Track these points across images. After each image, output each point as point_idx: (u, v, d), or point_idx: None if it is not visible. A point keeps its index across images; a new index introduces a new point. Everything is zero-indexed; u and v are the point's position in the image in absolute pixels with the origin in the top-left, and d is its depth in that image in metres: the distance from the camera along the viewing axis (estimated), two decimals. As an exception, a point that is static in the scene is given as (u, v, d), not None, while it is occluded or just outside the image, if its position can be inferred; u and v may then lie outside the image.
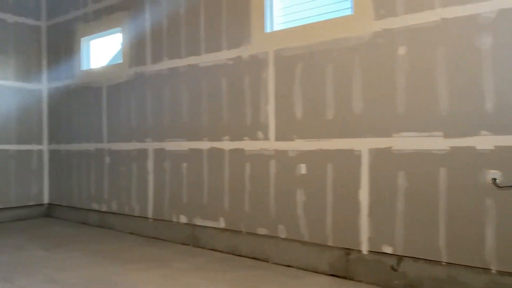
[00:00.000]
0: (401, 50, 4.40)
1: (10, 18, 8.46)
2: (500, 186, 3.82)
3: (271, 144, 5.38)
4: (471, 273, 3.97)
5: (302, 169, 5.09)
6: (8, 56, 8.42)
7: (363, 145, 4.63)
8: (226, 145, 5.86)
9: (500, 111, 3.85)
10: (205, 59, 6.10)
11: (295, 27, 5.25)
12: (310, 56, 5.05)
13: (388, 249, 4.45)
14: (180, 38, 6.42)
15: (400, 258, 4.38)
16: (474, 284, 3.95)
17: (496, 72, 3.88)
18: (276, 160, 5.34)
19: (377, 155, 4.54)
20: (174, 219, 6.51)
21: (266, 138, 5.44)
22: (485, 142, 3.91)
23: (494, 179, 3.84)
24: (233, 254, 5.72)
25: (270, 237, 5.38)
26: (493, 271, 3.86)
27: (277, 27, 5.52)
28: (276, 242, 5.32)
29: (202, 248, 6.10)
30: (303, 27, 5.15)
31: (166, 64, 6.62)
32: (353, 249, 4.69)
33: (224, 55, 5.88)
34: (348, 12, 4.89)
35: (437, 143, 4.18)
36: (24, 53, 8.66)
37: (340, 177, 4.80)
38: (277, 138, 5.33)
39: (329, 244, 4.87)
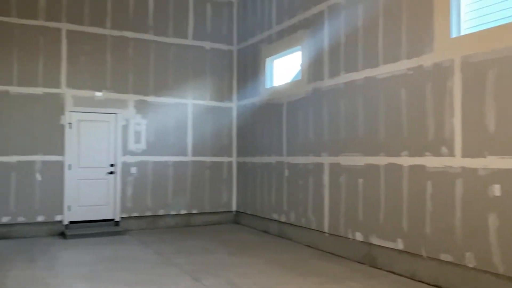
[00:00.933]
0: None
1: (207, 45, 9.61)
2: None
3: (457, 161, 4.83)
4: None
5: (496, 190, 4.42)
6: (205, 79, 9.56)
7: None
8: (405, 161, 5.49)
9: None
10: (383, 71, 5.87)
11: (486, 30, 4.63)
12: (504, 61, 4.38)
13: None
14: (357, 50, 6.33)
15: None
16: None
17: None
18: (463, 179, 4.76)
19: None
20: (350, 236, 6.37)
21: (451, 154, 4.91)
22: None
23: None
24: (412, 279, 5.29)
25: (456, 265, 4.80)
26: None
27: (465, 31, 4.96)
28: (463, 271, 4.72)
29: (379, 269, 5.80)
30: (497, 29, 4.51)
31: (343, 78, 6.59)
32: None
33: (403, 65, 5.56)
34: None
35: None
36: (218, 75, 9.71)
37: (546, 202, 4.01)
38: (464, 155, 4.75)
39: (531, 281, 4.09)
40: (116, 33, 8.68)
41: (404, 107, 5.54)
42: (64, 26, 8.24)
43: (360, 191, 6.20)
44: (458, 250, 4.78)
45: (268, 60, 8.72)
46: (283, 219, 8.00)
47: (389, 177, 5.72)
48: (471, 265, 4.64)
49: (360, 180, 6.21)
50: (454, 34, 4.98)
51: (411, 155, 5.41)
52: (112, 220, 8.61)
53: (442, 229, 4.97)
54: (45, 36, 8.08)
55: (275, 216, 8.25)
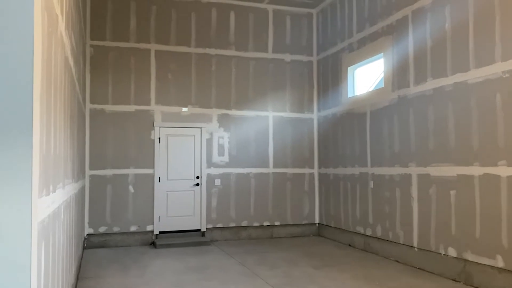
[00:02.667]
0: None
1: (287, 57, 9.68)
2: None
3: None
4: None
5: None
6: (285, 91, 9.62)
7: None
8: (503, 171, 5.06)
9: None
10: (474, 75, 5.49)
11: None
12: None
13: None
14: (445, 55, 5.99)
15: None
16: None
17: None
18: None
19: None
20: (442, 251, 5.98)
21: (557, 163, 4.44)
22: None
23: None
24: (516, 301, 4.83)
25: None
26: None
27: None
28: None
29: (475, 287, 5.37)
30: None
31: (430, 84, 6.27)
32: None
33: (498, 68, 5.16)
34: None
35: None
36: (298, 87, 9.72)
37: None
38: None
39: None
40: (200, 50, 9.06)
41: (500, 113, 5.12)
42: (153, 47, 8.77)
43: (453, 203, 5.82)
44: None
45: (349, 69, 8.57)
46: (368, 232, 7.73)
47: (485, 188, 5.31)
48: None
49: (452, 192, 5.83)
50: (557, 31, 4.54)
51: (509, 164, 4.98)
52: (198, 230, 8.91)
53: (550, 246, 4.50)
54: (136, 57, 8.66)
55: (360, 229, 8.01)
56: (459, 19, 5.75)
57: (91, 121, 8.34)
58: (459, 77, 5.75)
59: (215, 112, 9.11)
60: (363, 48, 8.00)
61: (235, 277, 5.98)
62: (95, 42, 8.44)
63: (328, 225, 9.21)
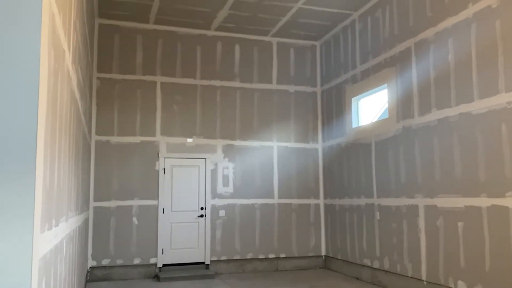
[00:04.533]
0: None
1: (291, 88, 9.76)
2: None
3: None
4: None
5: None
6: (290, 121, 9.65)
7: None
8: (511, 202, 4.99)
9: None
10: (479, 106, 5.49)
11: None
12: None
13: None
14: (449, 86, 6.02)
15: None
16: None
17: None
18: None
19: None
20: (451, 285, 5.84)
21: None
22: None
23: None
24: (530, 338, 4.66)
25: None
26: None
27: None
28: None
29: (487, 323, 5.22)
30: None
31: (435, 115, 6.27)
32: None
33: (502, 99, 5.16)
34: None
35: None
36: (302, 117, 9.76)
37: None
38: None
39: None
40: (205, 82, 9.17)
41: (506, 143, 5.09)
42: (159, 79, 8.89)
43: (461, 235, 5.72)
44: None
45: (353, 99, 8.61)
46: (376, 265, 7.58)
47: (493, 220, 5.22)
48: None
49: (460, 224, 5.73)
50: (560, 62, 4.56)
51: (518, 196, 4.91)
52: (202, 263, 8.78)
53: (563, 281, 4.38)
54: (142, 89, 8.77)
55: (367, 261, 7.86)
56: (462, 50, 5.80)
57: (97, 152, 8.37)
58: (463, 108, 5.75)
59: (219, 143, 9.13)
60: (366, 80, 8.06)
61: (240, 312, 5.84)
62: (102, 75, 8.57)
63: (334, 258, 9.06)
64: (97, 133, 8.43)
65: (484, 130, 5.42)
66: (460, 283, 5.69)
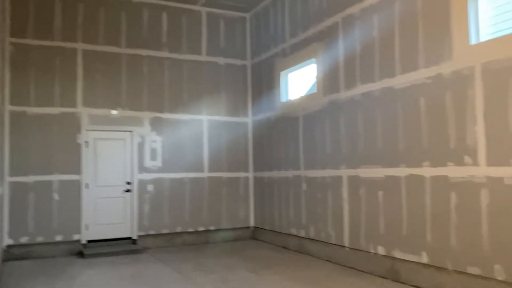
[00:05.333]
0: None
1: (221, 60, 9.63)
2: None
3: (482, 170, 4.69)
4: None
5: (524, 199, 4.27)
6: (220, 94, 9.56)
7: None
8: (426, 171, 5.36)
9: None
10: (400, 81, 5.78)
11: (506, 36, 4.53)
12: (528, 65, 4.28)
13: None
14: (373, 61, 6.26)
15: None
16: None
17: None
18: (488, 188, 4.62)
19: None
20: (371, 250, 6.21)
21: (475, 163, 4.77)
22: None
23: None
24: (439, 294, 5.11)
25: (484, 278, 4.62)
26: None
27: (484, 37, 4.87)
28: (492, 284, 4.54)
29: (403, 283, 5.63)
30: (518, 33, 4.41)
31: (359, 89, 6.51)
32: None
33: (421, 74, 5.46)
34: None
35: None
36: (233, 91, 9.71)
37: None
38: (489, 163, 4.62)
39: None
40: (130, 51, 8.76)
41: (423, 116, 5.43)
42: (80, 46, 8.34)
43: (381, 203, 6.07)
44: (486, 263, 4.61)
45: (282, 73, 8.70)
46: (302, 234, 7.87)
47: (411, 188, 5.59)
48: (500, 278, 4.47)
49: (381, 193, 6.08)
50: (473, 41, 4.89)
51: (432, 165, 5.28)
52: (129, 238, 8.57)
53: (468, 241, 4.81)
54: (61, 57, 8.18)
55: (294, 231, 8.12)
56: (386, 27, 6.03)
57: (12, 124, 7.75)
58: (386, 83, 6.02)
59: (147, 115, 8.83)
60: (296, 54, 8.15)
61: (171, 285, 5.81)
62: (16, 40, 7.86)
63: (263, 228, 9.26)
64: (11, 103, 7.78)
65: (404, 104, 5.72)
66: (379, 248, 6.07)
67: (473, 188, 4.78)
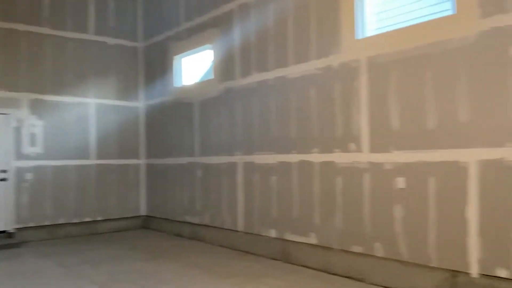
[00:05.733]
0: (514, 50, 3.92)
1: (110, 41, 9.08)
2: None
3: (365, 157, 5.09)
4: None
5: (400, 183, 4.73)
6: (110, 77, 9.03)
7: (470, 156, 4.18)
8: (316, 157, 5.67)
9: None
10: (293, 70, 6.00)
11: (389, 32, 4.95)
12: (407, 61, 4.71)
13: (502, 273, 3.94)
14: (268, 51, 6.40)
15: (519, 284, 3.85)
16: None
17: None
18: (370, 173, 5.04)
19: (487, 167, 4.06)
20: (264, 233, 6.42)
21: (359, 150, 5.16)
22: None
23: None
24: (326, 272, 5.47)
25: (366, 256, 5.06)
26: None
27: (370, 33, 5.25)
28: (373, 261, 4.99)
29: (293, 264, 5.92)
30: (399, 31, 4.83)
31: (255, 77, 6.62)
32: (460, 272, 4.23)
33: (313, 65, 5.73)
34: (449, 13, 4.50)
35: None
36: (123, 73, 9.23)
37: (444, 192, 4.38)
38: (372, 150, 5.03)
39: (432, 265, 4.44)
40: (4, 25, 7.84)
41: (314, 106, 5.71)
42: None
43: (274, 188, 6.28)
44: (367, 241, 5.04)
45: (176, 58, 8.49)
46: (196, 221, 7.84)
47: (301, 174, 5.87)
48: (379, 255, 4.92)
49: (274, 178, 6.29)
50: (359, 36, 5.24)
51: (321, 152, 5.60)
52: (4, 232, 7.76)
53: (352, 222, 5.21)
54: None
55: (188, 218, 8.06)
56: (280, 17, 6.19)
57: None
58: (280, 72, 6.20)
59: (25, 97, 8.02)
60: (191, 38, 8.01)
61: (56, 280, 5.39)
62: None
63: (155, 217, 9.04)
64: None
65: (297, 94, 5.95)
66: (272, 231, 6.29)
67: (357, 173, 5.17)
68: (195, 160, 7.87)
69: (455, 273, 4.27)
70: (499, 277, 3.97)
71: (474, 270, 4.13)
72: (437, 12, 4.63)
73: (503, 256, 3.94)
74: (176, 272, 5.63)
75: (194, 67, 8.38)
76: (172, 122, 8.51)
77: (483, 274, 4.07)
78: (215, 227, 7.39)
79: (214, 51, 7.46)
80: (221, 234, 7.25)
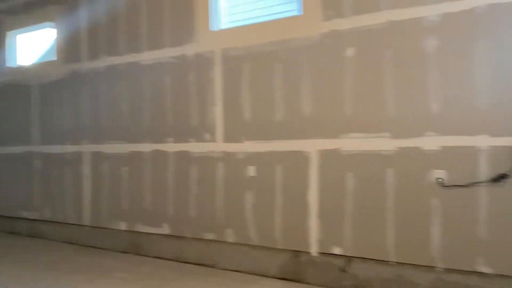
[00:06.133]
0: (349, 52, 4.42)
1: None
2: (445, 185, 3.93)
3: (219, 146, 5.22)
4: (418, 272, 4.06)
5: (251, 171, 4.98)
6: None
7: (312, 147, 4.60)
8: (170, 147, 5.61)
9: (445, 112, 3.96)
10: (147, 57, 5.82)
11: (242, 26, 5.13)
12: (258, 56, 4.95)
13: (337, 250, 4.45)
14: (119, 34, 6.08)
15: (349, 259, 4.39)
16: (421, 283, 4.04)
17: (441, 74, 3.99)
18: (224, 162, 5.18)
19: (326, 156, 4.53)
20: (113, 226, 6.14)
21: (213, 140, 5.27)
22: (430, 142, 4.01)
23: (440, 179, 3.95)
24: (178, 261, 5.48)
25: (218, 242, 5.21)
26: (439, 269, 3.97)
27: (225, 26, 5.37)
28: (224, 247, 5.16)
29: (145, 256, 5.79)
30: (251, 26, 5.04)
31: (104, 61, 6.24)
32: (302, 251, 4.65)
33: (167, 53, 5.63)
34: (297, 14, 4.85)
35: (385, 144, 4.23)
36: None
37: (289, 179, 4.74)
38: (225, 140, 5.18)
39: (279, 247, 4.79)
40: None
41: (169, 94, 5.63)
42: None
43: (125, 179, 6.04)
44: (219, 228, 5.20)
45: (10, 34, 7.52)
46: (35, 216, 7.10)
47: (155, 163, 5.75)
48: (231, 240, 5.11)
49: (125, 168, 6.04)
50: (214, 27, 5.32)
51: (176, 141, 5.56)
52: None
53: (206, 210, 5.31)
54: None
55: (25, 214, 7.24)
56: (133, 1, 5.93)
57: None
58: (132, 57, 5.96)
59: None
60: (30, 14, 7.16)
61: None
62: None
63: (-18, 214, 7.93)
64: None
65: (151, 81, 5.79)
66: (122, 223, 6.05)
67: (211, 162, 5.28)
68: (33, 150, 7.10)
69: (297, 253, 4.68)
70: (334, 254, 4.46)
71: (314, 249, 4.57)
72: (286, 11, 4.95)
73: (337, 235, 4.45)
74: (14, 274, 5.03)
75: (33, 45, 7.52)
76: (4, 106, 7.53)
77: (322, 253, 4.54)
78: (57, 222, 6.80)
79: (57, 30, 6.80)
80: (64, 229, 6.71)
